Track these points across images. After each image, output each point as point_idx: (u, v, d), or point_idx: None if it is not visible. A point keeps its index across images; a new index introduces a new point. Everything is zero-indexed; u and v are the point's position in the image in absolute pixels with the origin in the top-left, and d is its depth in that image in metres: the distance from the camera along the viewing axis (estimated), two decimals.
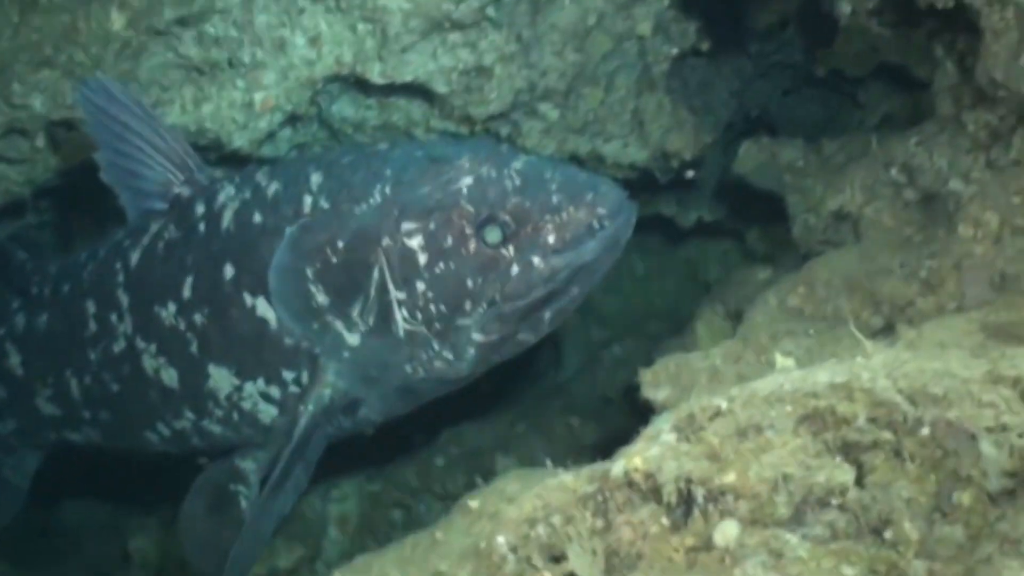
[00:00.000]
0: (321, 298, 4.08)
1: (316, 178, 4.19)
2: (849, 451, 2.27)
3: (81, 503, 6.80)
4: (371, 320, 4.03)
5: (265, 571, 6.09)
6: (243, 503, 4.55)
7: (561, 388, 6.69)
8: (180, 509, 4.56)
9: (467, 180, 3.93)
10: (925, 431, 2.24)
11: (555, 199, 3.86)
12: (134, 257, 4.65)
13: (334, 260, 4.04)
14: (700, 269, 6.90)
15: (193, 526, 4.54)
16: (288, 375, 4.33)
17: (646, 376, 3.66)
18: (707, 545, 2.27)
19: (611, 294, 6.73)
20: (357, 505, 6.50)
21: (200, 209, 4.47)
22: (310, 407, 4.27)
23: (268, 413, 4.46)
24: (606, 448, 2.61)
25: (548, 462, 2.93)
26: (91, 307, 4.81)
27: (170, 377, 4.57)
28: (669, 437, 2.42)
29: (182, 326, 4.46)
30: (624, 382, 5.44)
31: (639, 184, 5.60)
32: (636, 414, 3.61)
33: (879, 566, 2.13)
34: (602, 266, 3.99)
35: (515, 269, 3.89)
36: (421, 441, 6.40)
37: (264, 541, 4.42)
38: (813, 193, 4.72)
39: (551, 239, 3.85)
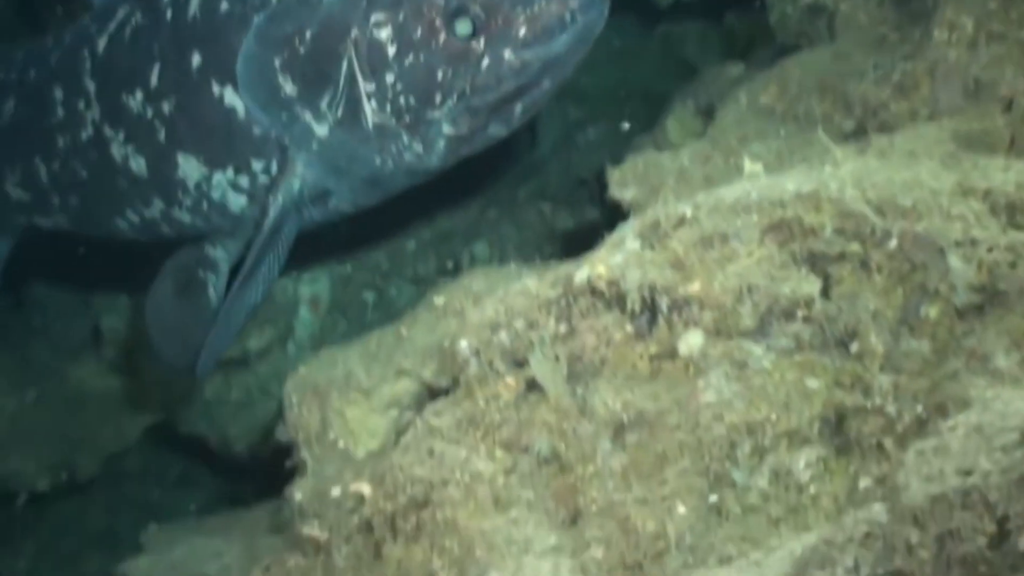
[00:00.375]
0: (289, 88, 4.04)
1: None
2: (815, 262, 2.27)
3: (53, 281, 6.81)
4: (340, 112, 3.99)
5: (237, 353, 6.12)
6: (211, 291, 4.58)
7: (535, 169, 6.66)
8: (148, 290, 4.58)
9: None
10: (893, 243, 2.23)
11: None
12: (101, 43, 4.58)
13: (302, 50, 3.98)
14: (677, 48, 6.82)
15: (160, 309, 4.58)
16: (257, 165, 4.30)
17: (614, 175, 3.62)
18: (671, 354, 2.28)
19: (588, 72, 6.66)
20: (328, 286, 6.51)
21: None
22: (280, 197, 4.25)
23: (238, 203, 4.44)
24: (576, 239, 2.60)
25: (512, 265, 2.93)
26: (58, 93, 4.75)
27: (138, 165, 4.54)
28: (633, 244, 2.41)
29: (150, 114, 4.41)
30: (598, 165, 5.41)
31: None
32: (606, 205, 3.62)
33: (844, 378, 2.15)
34: (573, 59, 3.94)
35: (485, 62, 3.83)
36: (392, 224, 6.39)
37: (236, 330, 4.45)
38: None
39: (522, 32, 3.79)
